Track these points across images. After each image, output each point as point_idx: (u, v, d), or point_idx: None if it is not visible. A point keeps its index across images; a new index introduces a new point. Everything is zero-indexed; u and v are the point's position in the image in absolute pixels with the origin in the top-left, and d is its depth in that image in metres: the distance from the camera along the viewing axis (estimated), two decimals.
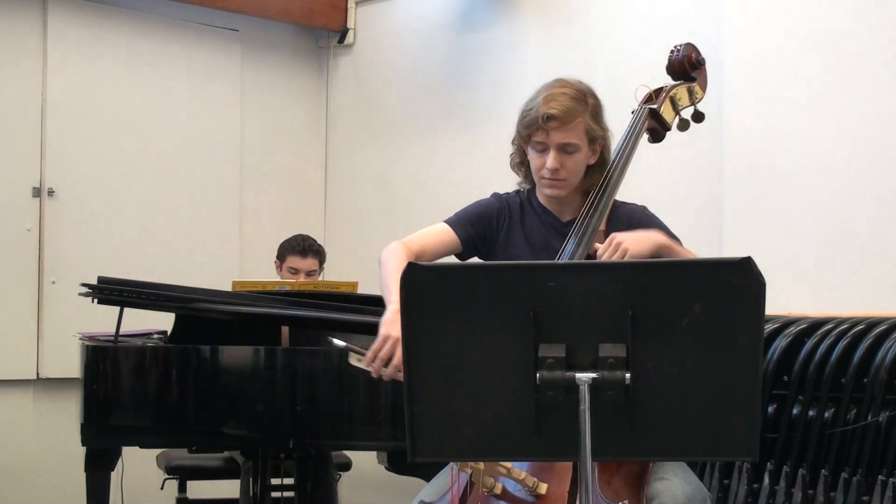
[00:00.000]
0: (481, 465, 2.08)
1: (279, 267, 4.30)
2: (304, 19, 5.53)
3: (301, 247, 4.24)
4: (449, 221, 2.55)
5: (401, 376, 2.15)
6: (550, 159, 2.41)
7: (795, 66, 3.75)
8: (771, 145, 3.80)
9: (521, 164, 2.57)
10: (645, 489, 2.15)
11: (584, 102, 2.43)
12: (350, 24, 5.55)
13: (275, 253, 4.33)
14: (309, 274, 4.23)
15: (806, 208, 3.70)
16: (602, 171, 2.52)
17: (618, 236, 2.34)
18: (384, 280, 2.39)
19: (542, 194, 2.54)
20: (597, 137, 2.46)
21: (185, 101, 5.22)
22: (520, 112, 2.48)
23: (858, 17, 3.64)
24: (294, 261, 4.23)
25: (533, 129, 2.42)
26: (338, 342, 2.30)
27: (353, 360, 2.28)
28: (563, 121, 2.38)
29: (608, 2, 4.55)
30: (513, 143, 2.56)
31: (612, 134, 2.55)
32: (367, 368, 2.24)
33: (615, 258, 2.29)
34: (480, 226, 2.54)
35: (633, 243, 2.31)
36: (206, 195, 5.25)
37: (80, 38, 4.90)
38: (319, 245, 4.33)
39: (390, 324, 2.22)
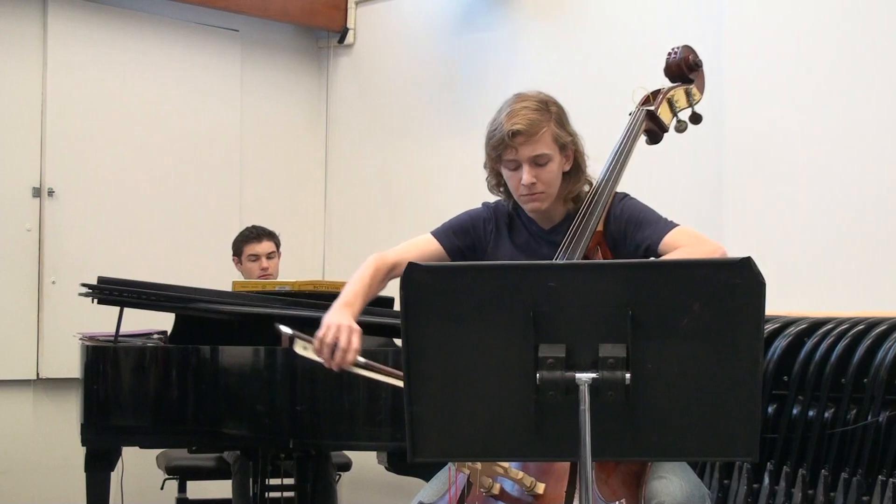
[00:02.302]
0: (479, 465, 2.09)
1: (238, 262, 4.39)
2: (304, 19, 5.53)
3: (255, 233, 4.37)
4: (435, 232, 2.55)
5: (350, 366, 2.24)
6: (525, 175, 2.38)
7: (795, 66, 3.75)
8: (771, 145, 3.80)
9: (497, 185, 2.53)
10: (643, 488, 2.15)
11: (546, 112, 2.41)
12: (350, 24, 5.55)
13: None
14: (269, 257, 4.33)
15: (806, 208, 3.70)
16: (579, 176, 2.49)
17: None
18: (349, 281, 2.47)
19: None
20: (566, 143, 2.43)
21: (185, 101, 5.22)
22: (486, 135, 2.45)
23: (858, 16, 3.64)
24: (251, 248, 4.33)
25: (502, 149, 2.40)
26: (285, 329, 2.31)
27: (299, 349, 2.30)
28: (529, 133, 2.37)
29: (608, 3, 4.55)
30: (485, 166, 2.52)
31: (583, 137, 2.50)
32: (316, 358, 2.28)
33: None
34: (467, 236, 2.53)
35: None
36: (206, 195, 5.25)
37: (80, 38, 4.90)
38: (269, 229, 4.42)
39: (332, 313, 2.32)
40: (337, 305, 2.36)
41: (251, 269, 4.32)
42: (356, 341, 2.27)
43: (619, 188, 2.53)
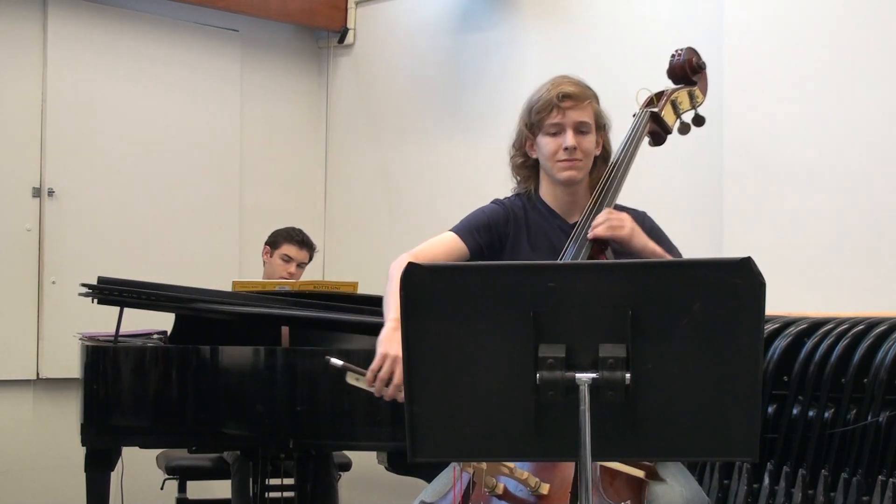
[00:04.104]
0: (483, 464, 2.08)
1: (269, 253, 4.38)
2: (304, 19, 5.53)
3: (300, 238, 4.36)
4: (456, 230, 2.51)
5: (401, 396, 2.09)
6: (568, 137, 2.42)
7: (796, 67, 3.75)
8: (771, 146, 3.80)
9: (523, 164, 2.55)
10: (646, 490, 2.15)
11: (589, 90, 2.50)
12: (350, 24, 5.55)
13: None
14: (300, 265, 4.34)
15: (806, 208, 3.70)
16: (605, 164, 2.54)
17: (627, 218, 2.37)
18: (387, 295, 2.36)
19: (548, 189, 2.53)
20: (602, 125, 2.51)
21: (185, 101, 5.22)
22: (526, 106, 2.49)
23: (858, 17, 3.64)
24: (290, 249, 4.33)
25: (546, 112, 2.43)
26: (335, 361, 2.27)
27: (352, 380, 2.25)
28: (578, 98, 2.43)
29: (609, 3, 4.55)
30: (513, 146, 2.55)
31: (612, 130, 2.57)
32: (370, 389, 2.22)
33: (606, 226, 2.33)
34: (488, 234, 2.51)
35: (634, 230, 2.35)
36: (206, 195, 5.25)
37: (80, 38, 4.90)
38: (314, 242, 4.44)
39: (387, 342, 2.22)
40: (389, 329, 2.26)
41: (278, 266, 4.32)
42: None
43: (623, 189, 2.54)
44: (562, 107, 2.42)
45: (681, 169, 4.11)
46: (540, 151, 2.49)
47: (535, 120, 2.46)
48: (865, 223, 3.57)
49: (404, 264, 2.39)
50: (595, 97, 2.50)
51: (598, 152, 2.52)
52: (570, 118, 2.42)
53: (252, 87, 5.47)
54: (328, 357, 2.28)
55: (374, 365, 2.21)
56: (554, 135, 2.44)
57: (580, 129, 2.44)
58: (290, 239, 4.34)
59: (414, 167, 5.28)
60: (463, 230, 2.51)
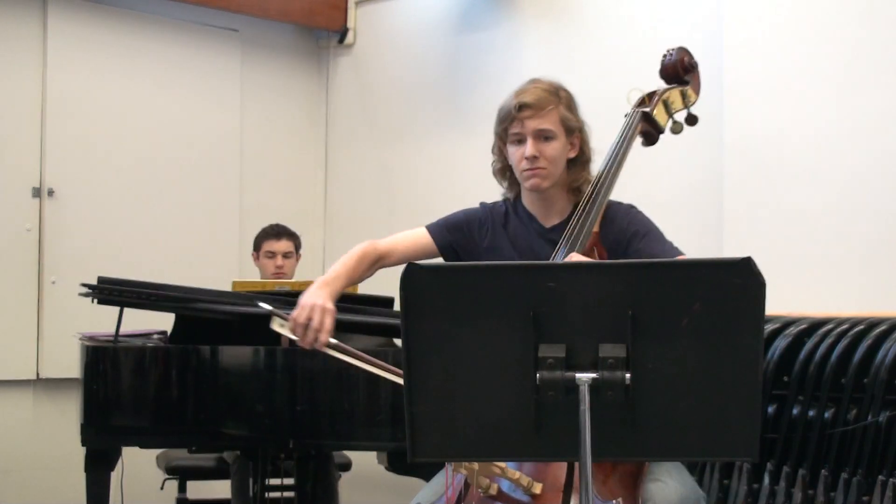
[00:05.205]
0: (476, 465, 2.08)
1: (256, 257, 4.45)
2: (304, 19, 5.53)
3: (274, 231, 4.42)
4: (429, 226, 2.59)
5: (322, 347, 2.30)
6: (528, 147, 2.43)
7: (795, 66, 3.75)
8: (771, 145, 3.80)
9: (502, 170, 2.58)
10: (640, 489, 2.15)
11: (556, 95, 2.47)
12: (350, 24, 5.55)
13: None
14: (286, 256, 4.38)
15: (806, 208, 3.70)
16: (584, 166, 2.53)
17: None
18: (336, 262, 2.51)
19: (526, 194, 2.54)
20: (573, 128, 2.48)
21: (185, 101, 5.22)
22: (496, 115, 2.51)
23: (858, 17, 3.64)
24: (269, 244, 4.38)
25: (508, 122, 2.46)
26: (264, 305, 2.42)
27: (276, 326, 2.37)
28: (536, 107, 2.42)
29: (609, 4, 4.55)
30: (493, 151, 2.58)
31: (591, 129, 2.55)
32: (292, 336, 2.35)
33: None
34: (460, 233, 2.56)
35: None
36: (205, 195, 5.25)
37: (80, 38, 4.90)
38: (292, 230, 4.46)
39: (308, 293, 2.37)
40: (315, 285, 2.41)
41: (266, 265, 4.36)
42: (329, 322, 2.33)
43: (618, 189, 2.54)
44: (520, 117, 2.43)
45: (681, 169, 4.11)
46: (509, 159, 2.51)
47: (500, 130, 2.49)
48: (865, 223, 3.57)
49: (365, 246, 2.53)
50: (564, 101, 2.47)
51: (572, 155, 2.50)
52: (530, 127, 2.43)
53: (252, 87, 5.47)
54: (258, 301, 2.40)
55: (294, 311, 2.34)
56: (517, 143, 2.46)
57: (543, 137, 2.43)
58: (266, 236, 4.41)
59: (414, 167, 5.28)
60: (436, 227, 2.59)
